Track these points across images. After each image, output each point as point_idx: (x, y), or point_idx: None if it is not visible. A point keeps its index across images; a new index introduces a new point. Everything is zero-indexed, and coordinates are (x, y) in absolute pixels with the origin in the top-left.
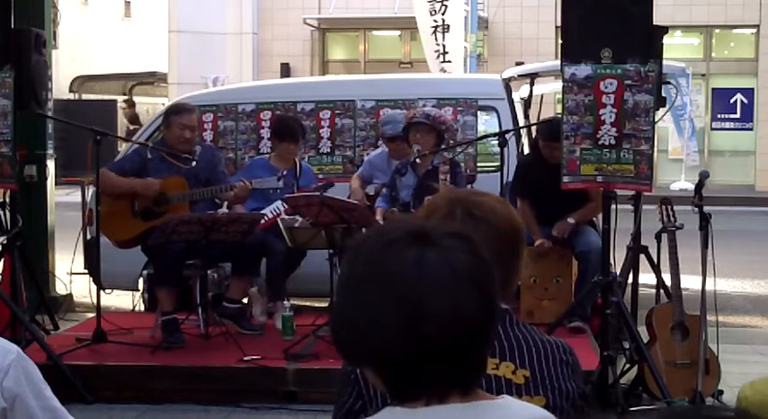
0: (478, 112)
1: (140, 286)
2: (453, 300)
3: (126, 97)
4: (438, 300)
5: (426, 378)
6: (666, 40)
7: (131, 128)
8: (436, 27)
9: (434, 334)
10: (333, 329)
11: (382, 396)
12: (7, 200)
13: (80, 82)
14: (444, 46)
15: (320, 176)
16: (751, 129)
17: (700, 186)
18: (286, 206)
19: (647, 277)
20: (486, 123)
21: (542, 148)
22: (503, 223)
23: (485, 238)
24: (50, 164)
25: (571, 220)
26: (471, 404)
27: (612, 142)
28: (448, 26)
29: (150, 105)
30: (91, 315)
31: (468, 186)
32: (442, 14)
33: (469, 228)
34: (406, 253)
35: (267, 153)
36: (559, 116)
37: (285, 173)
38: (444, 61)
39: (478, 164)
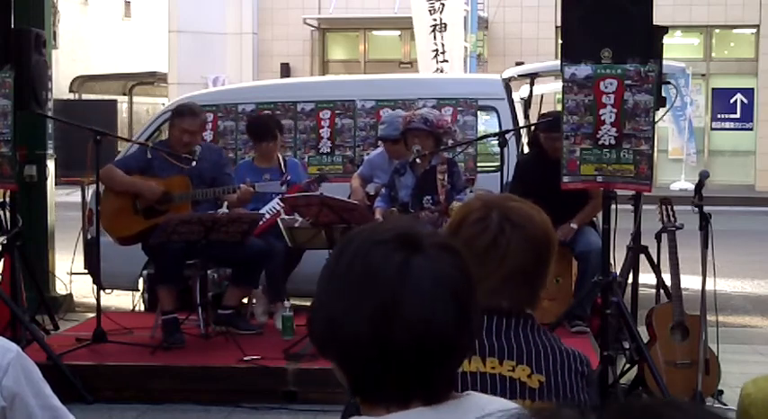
0: (478, 112)
1: (140, 286)
2: (429, 310)
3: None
4: (414, 307)
5: (389, 382)
6: (666, 40)
7: None
8: (435, 26)
9: (404, 339)
10: (310, 319)
11: None
12: (7, 200)
13: (80, 82)
14: (443, 45)
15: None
16: (751, 129)
17: (700, 186)
18: (282, 204)
19: (647, 277)
20: (486, 123)
21: (544, 141)
22: (538, 230)
23: (518, 244)
24: (50, 164)
25: (574, 225)
26: (431, 407)
27: (612, 142)
28: (445, 25)
29: (150, 105)
30: (91, 315)
31: (468, 190)
32: (440, 13)
33: (505, 233)
34: (392, 255)
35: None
36: (559, 111)
37: (288, 177)
38: (443, 61)
39: (478, 165)
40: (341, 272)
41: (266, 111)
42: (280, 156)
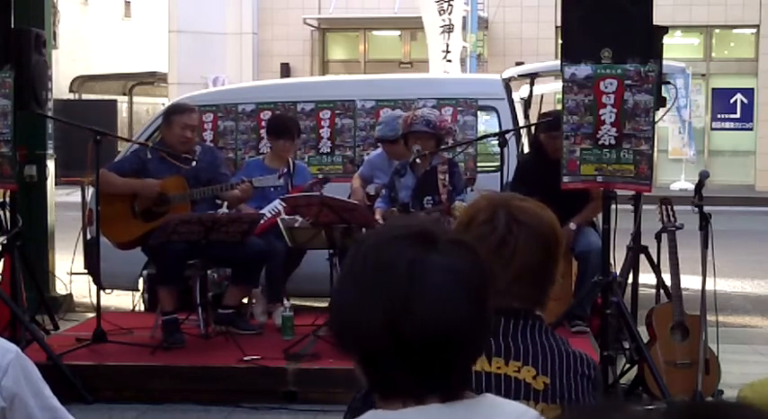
0: (478, 112)
1: (140, 286)
2: (440, 305)
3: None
4: (424, 304)
5: (403, 377)
6: (666, 40)
7: None
8: (444, 27)
9: (414, 335)
10: (329, 315)
11: None
12: (7, 200)
13: (80, 82)
14: (447, 45)
15: (319, 176)
16: (751, 129)
17: (700, 186)
18: (284, 204)
19: (647, 277)
20: (486, 123)
21: (544, 141)
22: (545, 227)
23: (526, 242)
24: (50, 164)
25: (572, 226)
26: (448, 404)
27: (612, 142)
28: (452, 26)
29: (150, 105)
30: (91, 315)
31: (469, 189)
32: (449, 14)
33: (513, 232)
34: (405, 251)
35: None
36: (559, 110)
37: (285, 170)
38: (447, 60)
39: (478, 165)
40: (357, 268)
41: (266, 111)
42: (291, 159)
